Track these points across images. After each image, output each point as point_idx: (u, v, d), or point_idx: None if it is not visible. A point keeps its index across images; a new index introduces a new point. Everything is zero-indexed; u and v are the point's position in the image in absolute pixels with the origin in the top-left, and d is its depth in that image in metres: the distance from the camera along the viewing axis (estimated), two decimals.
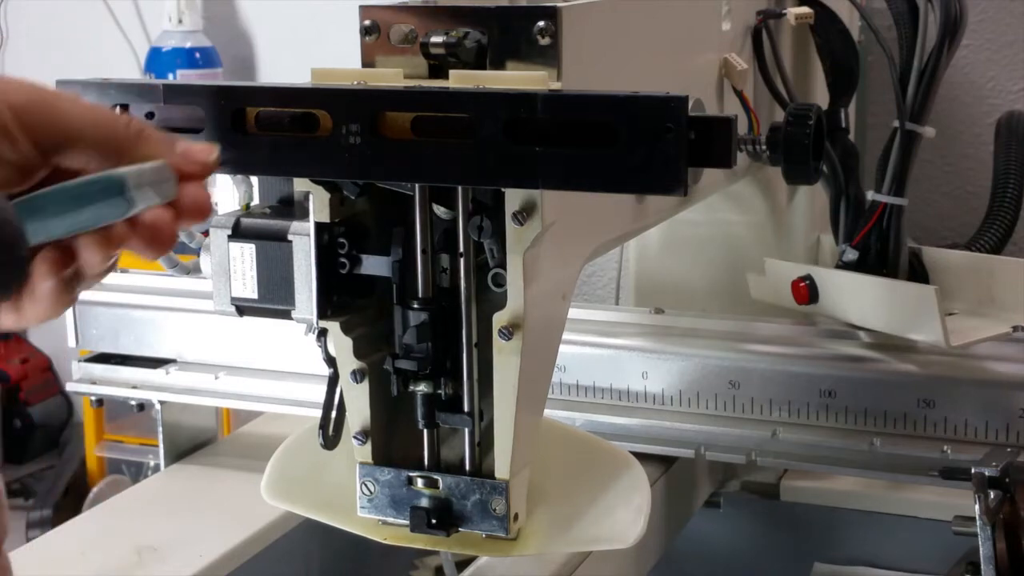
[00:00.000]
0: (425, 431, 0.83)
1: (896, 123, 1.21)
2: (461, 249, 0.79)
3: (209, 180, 0.74)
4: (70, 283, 0.66)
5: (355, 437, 0.83)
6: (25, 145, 0.62)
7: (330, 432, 0.86)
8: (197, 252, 0.92)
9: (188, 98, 0.74)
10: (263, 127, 0.73)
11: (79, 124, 0.64)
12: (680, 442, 1.14)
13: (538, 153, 0.68)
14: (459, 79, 0.75)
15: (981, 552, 0.95)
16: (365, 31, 0.82)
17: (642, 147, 0.67)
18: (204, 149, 0.69)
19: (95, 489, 2.31)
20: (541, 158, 0.68)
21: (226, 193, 0.87)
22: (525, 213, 0.75)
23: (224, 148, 0.70)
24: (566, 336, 0.85)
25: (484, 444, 0.82)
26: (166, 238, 0.66)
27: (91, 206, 0.63)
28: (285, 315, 0.83)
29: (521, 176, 0.70)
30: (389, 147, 0.71)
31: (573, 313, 0.87)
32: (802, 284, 1.20)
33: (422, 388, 0.81)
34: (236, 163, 0.74)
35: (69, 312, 1.32)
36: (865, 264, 1.21)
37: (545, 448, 0.86)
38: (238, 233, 0.84)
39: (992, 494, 0.96)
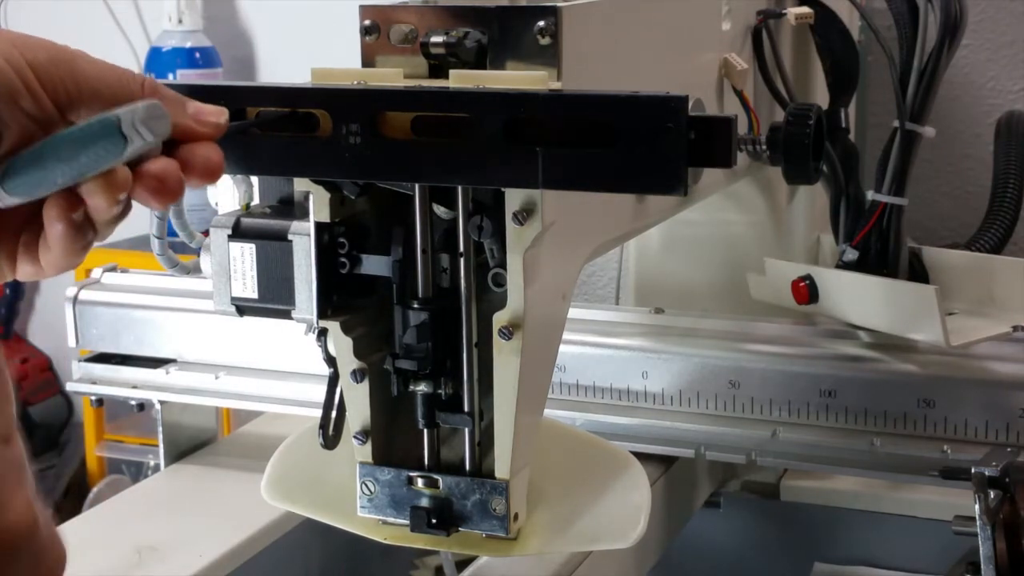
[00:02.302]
0: (425, 431, 0.83)
1: (896, 123, 1.21)
2: (461, 249, 0.79)
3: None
4: (81, 229, 0.68)
5: (355, 437, 0.83)
6: (45, 101, 0.65)
7: (330, 432, 0.86)
8: (197, 252, 0.92)
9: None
10: (264, 127, 0.74)
11: (96, 81, 0.66)
12: (680, 442, 1.14)
13: (538, 153, 0.68)
14: (459, 79, 0.75)
15: (981, 552, 0.95)
16: (365, 31, 0.82)
17: (642, 147, 0.67)
18: (215, 111, 0.70)
19: (95, 489, 2.30)
20: (542, 158, 0.68)
21: (226, 193, 0.87)
22: (525, 213, 0.75)
23: (225, 148, 0.70)
24: (566, 336, 0.85)
25: (484, 444, 0.82)
26: (172, 187, 0.67)
27: (89, 148, 0.64)
28: (285, 315, 0.83)
29: (521, 176, 0.70)
30: (389, 147, 0.71)
31: (573, 313, 0.87)
32: (802, 284, 1.20)
33: (422, 388, 0.81)
34: (237, 163, 0.74)
35: (69, 312, 1.32)
36: (865, 264, 1.21)
37: (545, 448, 0.86)
38: (238, 233, 0.84)
39: (992, 494, 0.96)
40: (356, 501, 0.85)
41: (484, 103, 0.69)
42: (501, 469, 0.81)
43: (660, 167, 0.67)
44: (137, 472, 2.32)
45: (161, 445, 1.30)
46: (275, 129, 0.74)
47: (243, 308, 0.85)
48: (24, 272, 0.69)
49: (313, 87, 0.74)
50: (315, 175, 0.77)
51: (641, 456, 0.91)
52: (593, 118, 0.68)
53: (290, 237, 0.82)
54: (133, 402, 1.32)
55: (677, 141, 0.66)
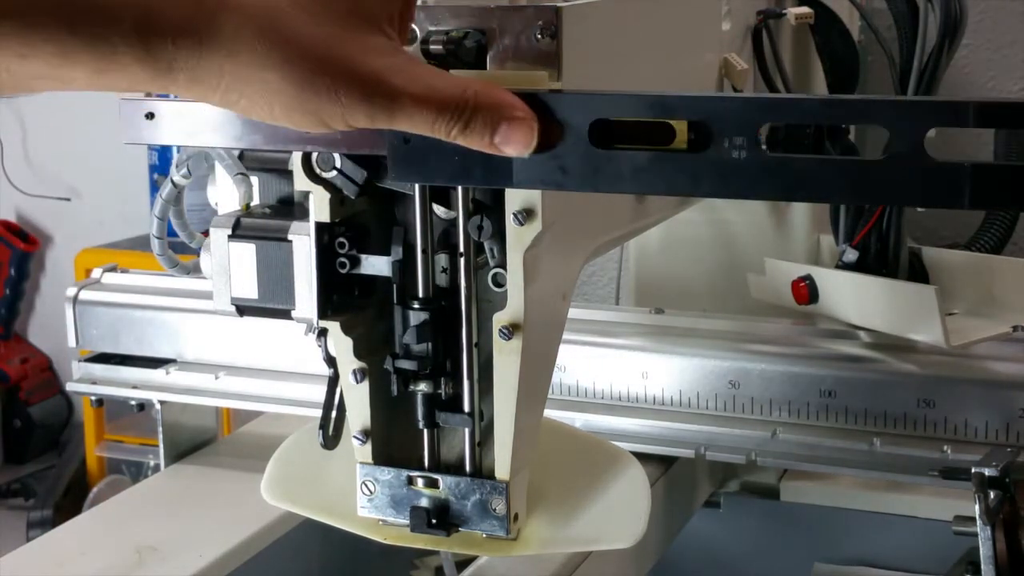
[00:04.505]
0: (425, 431, 0.83)
1: None
2: (461, 249, 0.79)
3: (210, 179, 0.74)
4: None
5: (355, 437, 0.83)
6: None
7: (330, 432, 0.86)
8: (197, 252, 0.92)
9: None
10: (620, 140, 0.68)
11: None
12: (680, 442, 1.14)
13: (965, 168, 0.62)
14: None
15: (981, 552, 0.95)
16: None
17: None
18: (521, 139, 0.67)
19: (95, 489, 2.31)
20: (971, 174, 0.62)
21: (226, 193, 0.87)
22: (525, 213, 0.75)
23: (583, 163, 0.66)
24: (566, 336, 0.85)
25: (484, 444, 0.82)
26: None
27: None
28: (285, 315, 0.83)
29: (944, 195, 0.63)
30: (777, 162, 0.65)
31: (573, 313, 0.87)
32: (802, 284, 1.20)
33: (422, 388, 0.81)
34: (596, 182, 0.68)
35: (69, 312, 1.32)
36: (865, 264, 1.21)
37: (545, 448, 0.86)
38: (238, 233, 0.84)
39: (992, 494, 0.96)
40: (356, 501, 0.85)
41: (901, 113, 0.63)
42: (501, 469, 0.81)
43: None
44: (137, 472, 2.33)
45: (161, 445, 1.30)
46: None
47: (243, 308, 0.85)
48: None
49: (682, 95, 0.67)
50: (692, 192, 0.69)
51: (641, 456, 0.91)
52: None
53: (290, 237, 0.82)
54: (133, 402, 1.32)
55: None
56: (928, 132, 0.63)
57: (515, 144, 0.66)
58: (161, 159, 2.43)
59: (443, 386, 0.81)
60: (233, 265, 0.84)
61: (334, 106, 0.62)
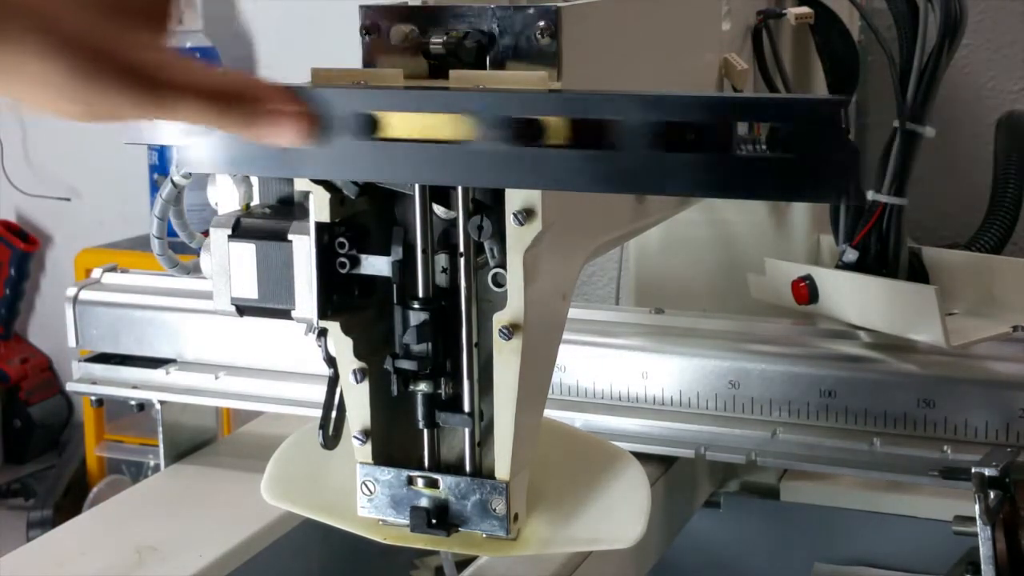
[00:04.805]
0: (425, 431, 0.83)
1: (896, 123, 1.21)
2: (461, 249, 0.79)
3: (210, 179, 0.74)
4: None
5: (355, 437, 0.83)
6: None
7: (330, 432, 0.86)
8: (197, 252, 0.92)
9: None
10: None
11: None
12: (680, 442, 1.14)
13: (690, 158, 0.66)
14: (459, 79, 0.75)
15: (981, 552, 0.95)
16: (365, 31, 0.82)
17: (814, 154, 0.65)
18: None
19: (95, 489, 2.31)
20: (693, 164, 0.66)
21: (226, 193, 0.87)
22: (525, 213, 0.75)
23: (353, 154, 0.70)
24: (566, 336, 0.85)
25: (484, 444, 0.82)
26: None
27: None
28: (285, 315, 0.83)
29: (676, 182, 0.67)
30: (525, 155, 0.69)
31: (573, 313, 0.87)
32: (802, 284, 1.20)
33: (422, 388, 0.81)
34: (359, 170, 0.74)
35: (69, 312, 1.32)
36: (865, 264, 1.21)
37: (545, 448, 0.86)
38: (238, 233, 0.84)
39: (992, 494, 0.96)
40: (356, 501, 0.85)
41: (631, 107, 0.67)
42: (501, 469, 0.81)
43: (831, 175, 0.65)
44: (137, 472, 2.33)
45: (161, 445, 1.30)
46: None
47: (243, 308, 0.85)
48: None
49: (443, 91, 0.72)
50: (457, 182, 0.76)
51: (641, 456, 0.91)
52: (766, 122, 0.66)
53: (290, 237, 0.82)
54: (133, 402, 1.32)
55: (846, 147, 0.65)
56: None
57: (282, 135, 0.69)
58: (161, 159, 2.43)
59: (443, 386, 0.81)
60: (233, 265, 0.84)
61: (102, 97, 0.64)
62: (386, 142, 0.71)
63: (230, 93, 0.67)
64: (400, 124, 0.71)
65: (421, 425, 0.82)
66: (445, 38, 0.78)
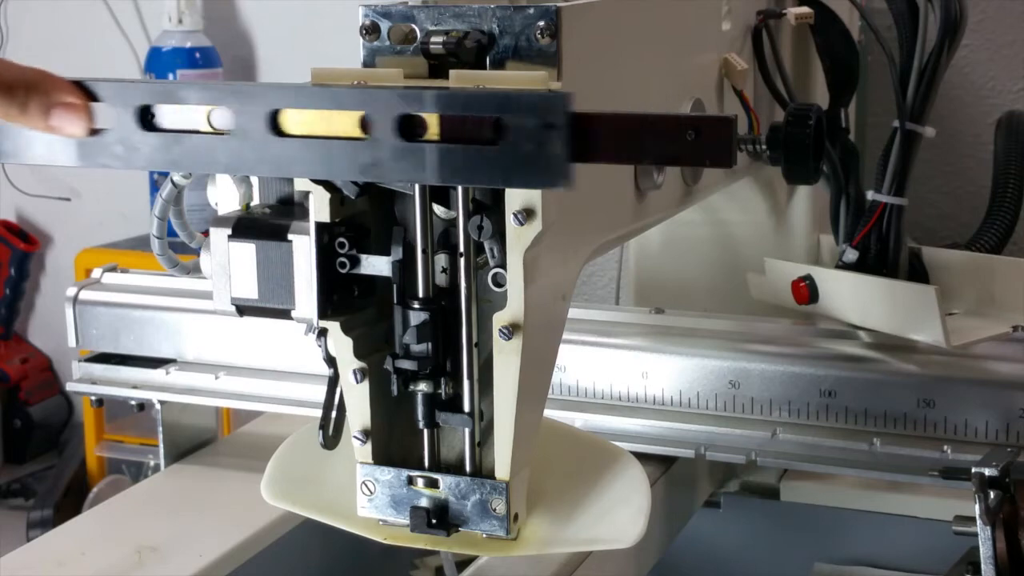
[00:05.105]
0: (425, 431, 0.83)
1: (896, 123, 1.21)
2: (461, 249, 0.79)
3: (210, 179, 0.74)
4: None
5: (355, 437, 0.83)
6: None
7: (330, 432, 0.86)
8: (197, 252, 0.92)
9: None
10: None
11: None
12: (680, 442, 1.14)
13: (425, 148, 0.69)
14: (459, 79, 0.75)
15: (981, 552, 0.95)
16: (365, 31, 0.82)
17: (526, 143, 0.68)
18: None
19: (95, 489, 2.30)
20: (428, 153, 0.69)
21: (226, 193, 0.87)
22: (525, 213, 0.75)
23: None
24: (566, 336, 0.85)
25: (484, 444, 0.82)
26: None
27: None
28: (285, 315, 0.83)
29: (412, 171, 0.71)
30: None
31: (573, 313, 0.87)
32: (802, 284, 1.20)
33: (422, 388, 0.81)
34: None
35: (69, 312, 1.32)
36: (865, 264, 1.21)
37: (545, 448, 0.86)
38: (238, 233, 0.84)
39: (992, 494, 0.96)
40: (356, 501, 0.85)
41: (376, 101, 0.70)
42: (501, 469, 0.81)
43: (544, 162, 0.67)
44: (137, 472, 2.33)
45: (161, 445, 1.30)
46: None
47: (243, 308, 0.85)
48: None
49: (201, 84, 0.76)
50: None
51: (641, 456, 0.91)
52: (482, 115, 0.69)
53: (290, 237, 0.82)
54: (133, 402, 1.32)
55: (558, 137, 0.67)
56: None
57: (69, 126, 0.73)
58: None
59: (443, 386, 0.81)
60: (233, 265, 0.84)
61: None
62: (161, 133, 0.74)
63: (20, 87, 0.71)
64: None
65: (421, 425, 0.82)
66: (445, 38, 0.78)
